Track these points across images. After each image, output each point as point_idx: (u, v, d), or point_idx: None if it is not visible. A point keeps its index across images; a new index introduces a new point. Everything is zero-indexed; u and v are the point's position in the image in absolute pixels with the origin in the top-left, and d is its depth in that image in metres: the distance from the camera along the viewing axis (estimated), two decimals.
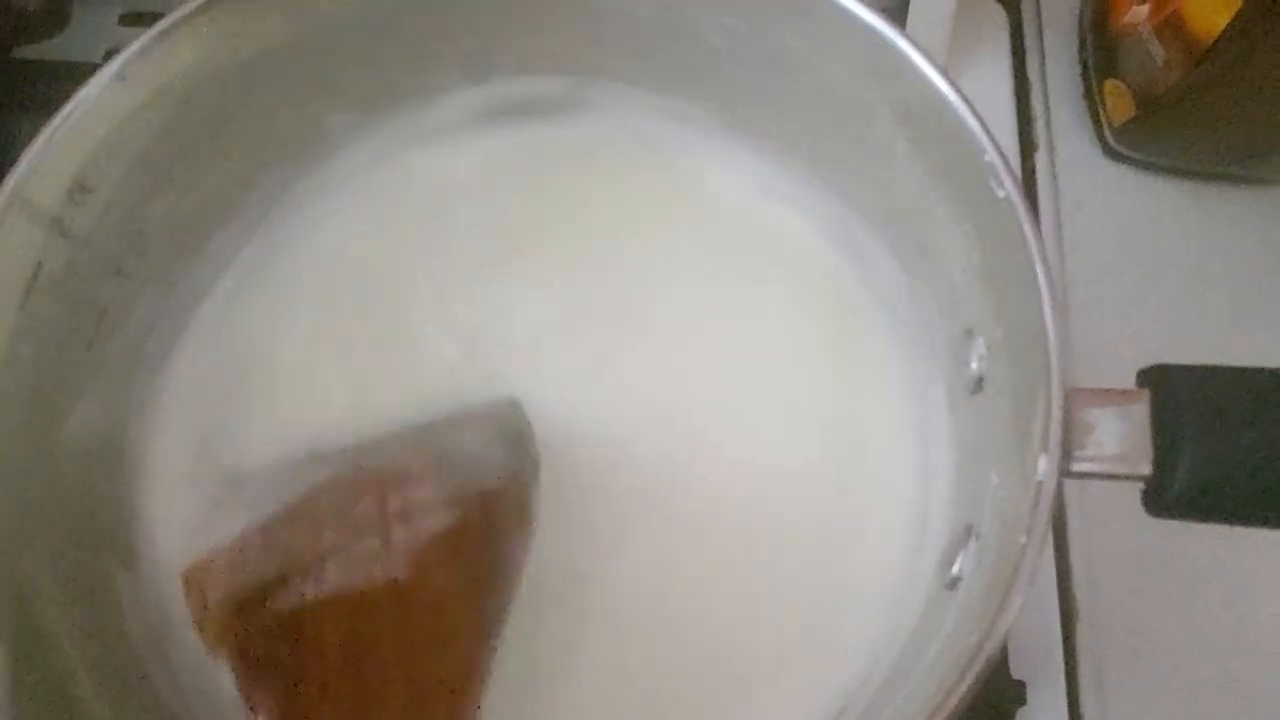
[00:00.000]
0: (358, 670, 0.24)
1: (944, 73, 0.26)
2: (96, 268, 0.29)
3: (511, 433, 0.31)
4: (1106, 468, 0.23)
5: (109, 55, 0.28)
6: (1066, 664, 0.36)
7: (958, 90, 0.25)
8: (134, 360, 0.32)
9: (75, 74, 0.28)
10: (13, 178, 0.26)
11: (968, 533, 0.27)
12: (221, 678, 0.29)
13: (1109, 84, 0.43)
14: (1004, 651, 0.34)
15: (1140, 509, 0.24)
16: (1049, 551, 0.37)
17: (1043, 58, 0.46)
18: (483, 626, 0.26)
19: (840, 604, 0.30)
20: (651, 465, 0.32)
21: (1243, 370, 0.23)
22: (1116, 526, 0.37)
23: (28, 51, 0.44)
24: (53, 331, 0.28)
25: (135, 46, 0.28)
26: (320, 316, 0.35)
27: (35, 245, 0.27)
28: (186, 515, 0.32)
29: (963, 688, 0.21)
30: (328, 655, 0.24)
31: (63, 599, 0.27)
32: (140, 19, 0.45)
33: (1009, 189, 0.24)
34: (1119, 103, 0.42)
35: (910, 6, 0.40)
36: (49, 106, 0.27)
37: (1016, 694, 0.35)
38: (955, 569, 0.27)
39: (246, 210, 0.34)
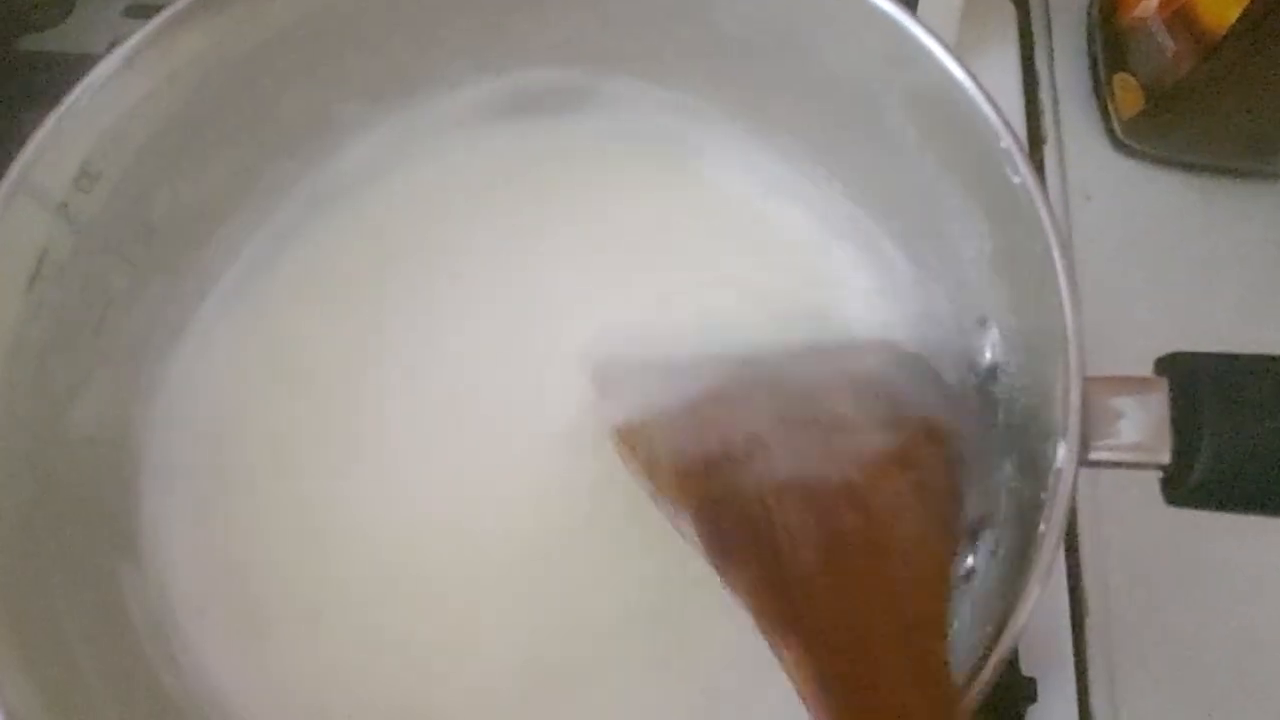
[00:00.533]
0: (831, 558, 0.23)
1: (958, 58, 0.25)
2: (103, 255, 0.29)
3: (928, 374, 0.30)
4: (1125, 456, 0.22)
5: (113, 48, 0.28)
6: (1077, 660, 0.35)
7: (972, 76, 0.25)
8: (140, 349, 0.32)
9: (79, 65, 0.27)
10: (19, 164, 0.26)
11: (982, 524, 0.27)
12: (229, 676, 0.29)
13: (1118, 77, 0.43)
14: (1015, 647, 0.34)
15: (1151, 502, 0.24)
16: (1060, 547, 0.36)
17: (1051, 51, 0.46)
18: (940, 547, 0.24)
19: None
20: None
21: (1261, 358, 0.23)
22: (1127, 521, 0.37)
23: (31, 42, 0.44)
24: (58, 319, 0.28)
25: (143, 33, 0.28)
26: (329, 307, 0.35)
27: (41, 231, 0.27)
28: (191, 507, 0.32)
29: (982, 680, 0.21)
30: (796, 535, 0.23)
31: (69, 593, 0.27)
32: (145, 11, 0.45)
33: (1024, 175, 0.24)
34: (1128, 96, 0.42)
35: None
36: (52, 98, 0.27)
37: (1027, 691, 0.34)
38: (969, 562, 0.27)
39: (255, 200, 0.34)
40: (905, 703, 0.21)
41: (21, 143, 0.26)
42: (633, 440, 0.28)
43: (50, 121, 0.26)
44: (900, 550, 0.24)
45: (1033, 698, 0.34)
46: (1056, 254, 0.23)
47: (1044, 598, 0.21)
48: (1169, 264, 0.42)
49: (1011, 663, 0.34)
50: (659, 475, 0.26)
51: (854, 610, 0.22)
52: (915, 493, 0.25)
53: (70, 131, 0.27)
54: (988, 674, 0.21)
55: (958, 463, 0.26)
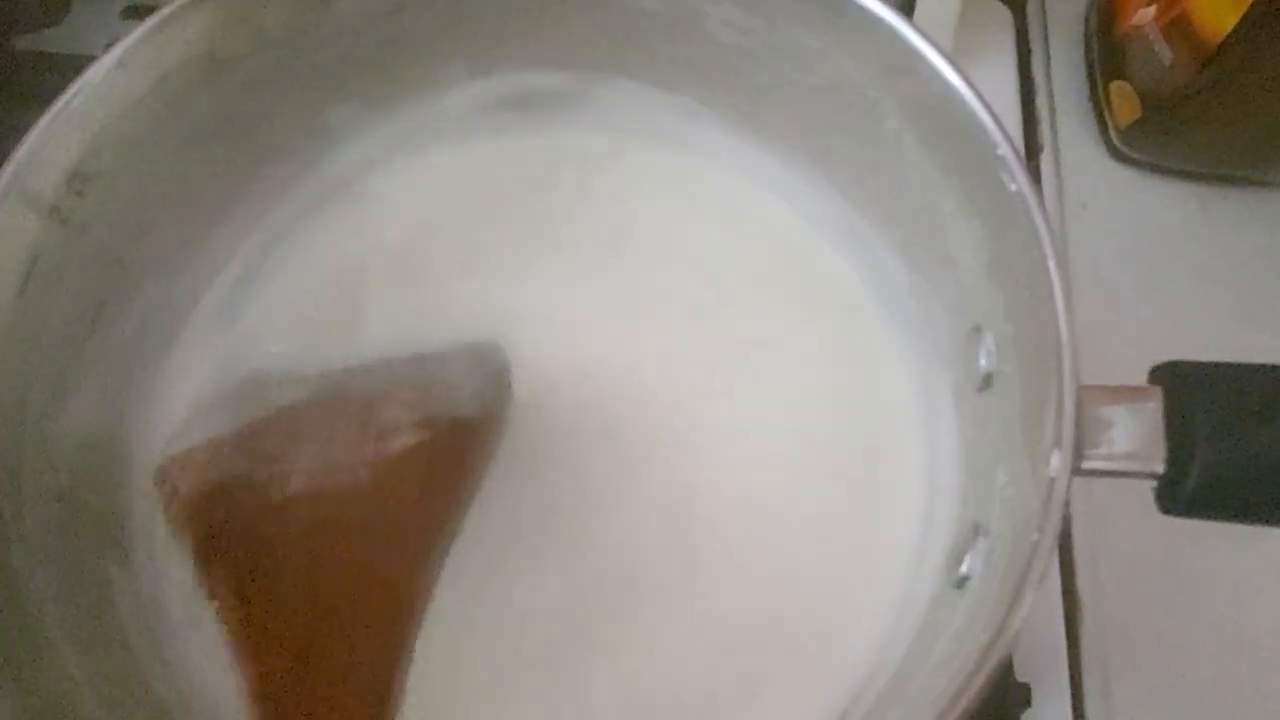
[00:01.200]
0: (312, 566, 0.24)
1: (955, 65, 0.25)
2: (95, 258, 0.29)
3: (491, 368, 0.31)
4: (1119, 465, 0.22)
5: (109, 49, 0.28)
6: (1071, 667, 0.35)
7: (969, 83, 0.25)
8: (132, 353, 0.31)
9: (75, 66, 0.27)
10: (11, 165, 0.26)
11: (975, 531, 0.27)
12: (222, 678, 0.29)
13: (1115, 85, 0.43)
14: (1008, 655, 0.34)
15: (1144, 509, 0.24)
16: (1053, 553, 0.36)
17: (1048, 59, 0.46)
18: (432, 537, 0.26)
19: (845, 602, 0.30)
20: (657, 462, 0.32)
21: (1256, 367, 0.23)
22: (1122, 527, 0.37)
23: (27, 43, 0.44)
24: (50, 322, 0.28)
25: (136, 35, 0.28)
26: (321, 313, 0.34)
27: (33, 234, 0.27)
28: None
29: (974, 688, 0.21)
30: (285, 551, 0.25)
31: (57, 597, 0.27)
32: (142, 12, 0.45)
33: (1021, 183, 0.24)
34: (1125, 104, 0.42)
35: (916, 6, 0.40)
36: (49, 99, 0.27)
37: (1021, 697, 0.34)
38: (963, 568, 0.27)
39: (248, 204, 0.34)
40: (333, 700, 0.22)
41: (19, 144, 0.26)
42: (162, 474, 0.27)
43: (42, 123, 0.26)
44: (379, 567, 0.25)
45: (1027, 703, 0.34)
46: (1051, 262, 0.23)
47: (1038, 604, 0.21)
48: (1165, 272, 0.42)
49: (1006, 669, 0.34)
50: (173, 506, 0.26)
51: (315, 635, 0.24)
52: (417, 499, 0.26)
53: (63, 134, 0.27)
54: (981, 680, 0.21)
55: (473, 455, 0.28)
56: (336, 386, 0.30)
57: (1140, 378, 0.24)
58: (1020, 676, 0.34)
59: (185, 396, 0.33)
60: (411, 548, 0.26)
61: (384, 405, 0.28)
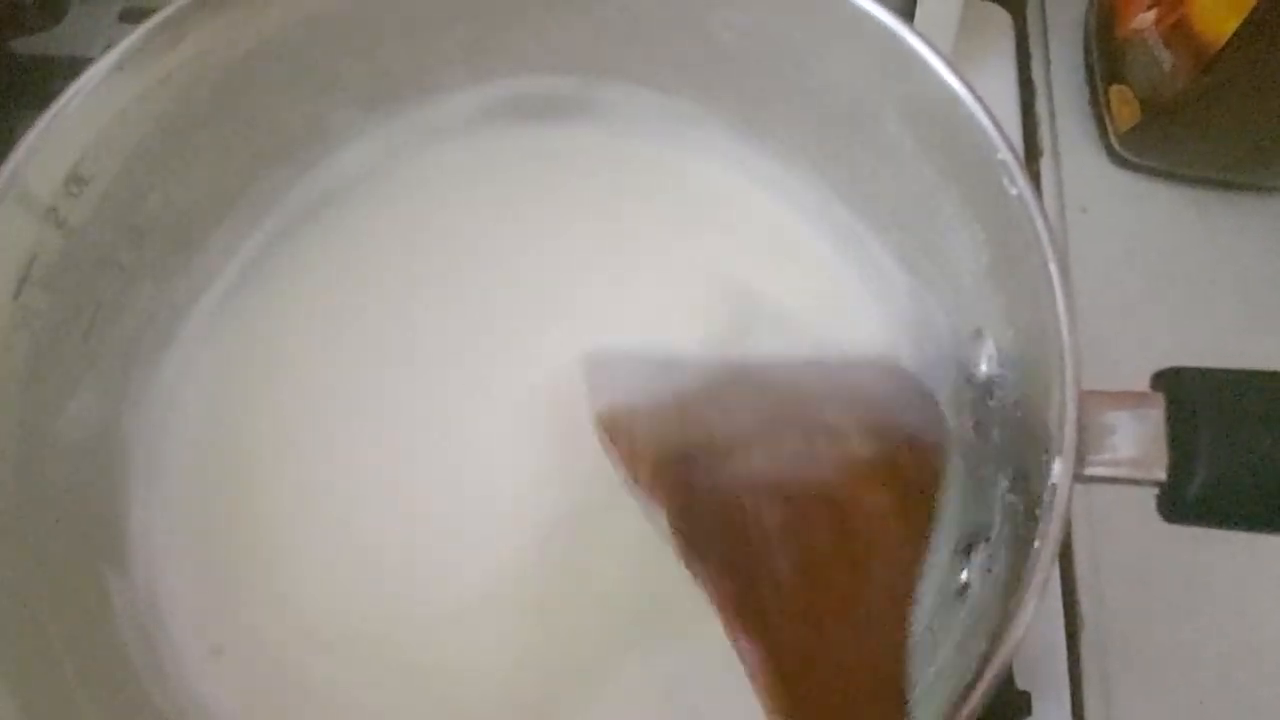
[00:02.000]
0: (803, 564, 0.23)
1: (955, 70, 0.25)
2: (92, 260, 0.29)
3: (919, 391, 0.30)
4: (1121, 472, 0.22)
5: (107, 51, 0.27)
6: (1071, 674, 0.35)
7: (969, 88, 0.25)
8: (130, 354, 0.31)
9: (73, 69, 0.27)
10: (8, 167, 0.26)
11: (977, 538, 0.27)
12: (221, 692, 0.29)
13: (1115, 89, 0.43)
14: (1009, 662, 0.33)
15: (1146, 516, 0.23)
16: (1055, 561, 0.36)
17: (1048, 63, 0.46)
18: (912, 553, 0.24)
19: None
20: None
21: (1258, 373, 0.23)
22: (1123, 535, 0.37)
23: (25, 45, 0.44)
24: (47, 324, 0.28)
25: (134, 37, 0.28)
26: (320, 314, 0.34)
27: (30, 236, 0.27)
28: (181, 515, 0.31)
29: (976, 697, 0.21)
30: (771, 538, 0.24)
31: (54, 603, 0.27)
32: (140, 14, 0.45)
33: (1022, 187, 0.24)
34: (1125, 108, 0.42)
35: (916, 10, 0.40)
36: (46, 101, 0.27)
37: (1021, 705, 0.34)
38: (964, 576, 0.26)
39: (246, 206, 0.34)
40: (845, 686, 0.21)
41: (16, 146, 0.26)
42: (614, 427, 0.28)
43: (40, 125, 0.26)
44: (872, 565, 0.24)
45: (1027, 711, 0.34)
46: (1053, 267, 0.23)
47: (1039, 611, 0.21)
48: (1165, 276, 0.42)
49: (1006, 676, 0.34)
50: (638, 464, 0.26)
51: (820, 621, 0.23)
52: (893, 508, 0.25)
53: (60, 135, 0.27)
54: (983, 688, 0.21)
55: (938, 480, 0.27)
56: (740, 375, 0.30)
57: (1140, 383, 0.24)
58: (1021, 684, 0.34)
59: (182, 396, 0.33)
60: (893, 571, 0.24)
61: (816, 402, 0.27)
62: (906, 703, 0.21)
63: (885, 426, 0.27)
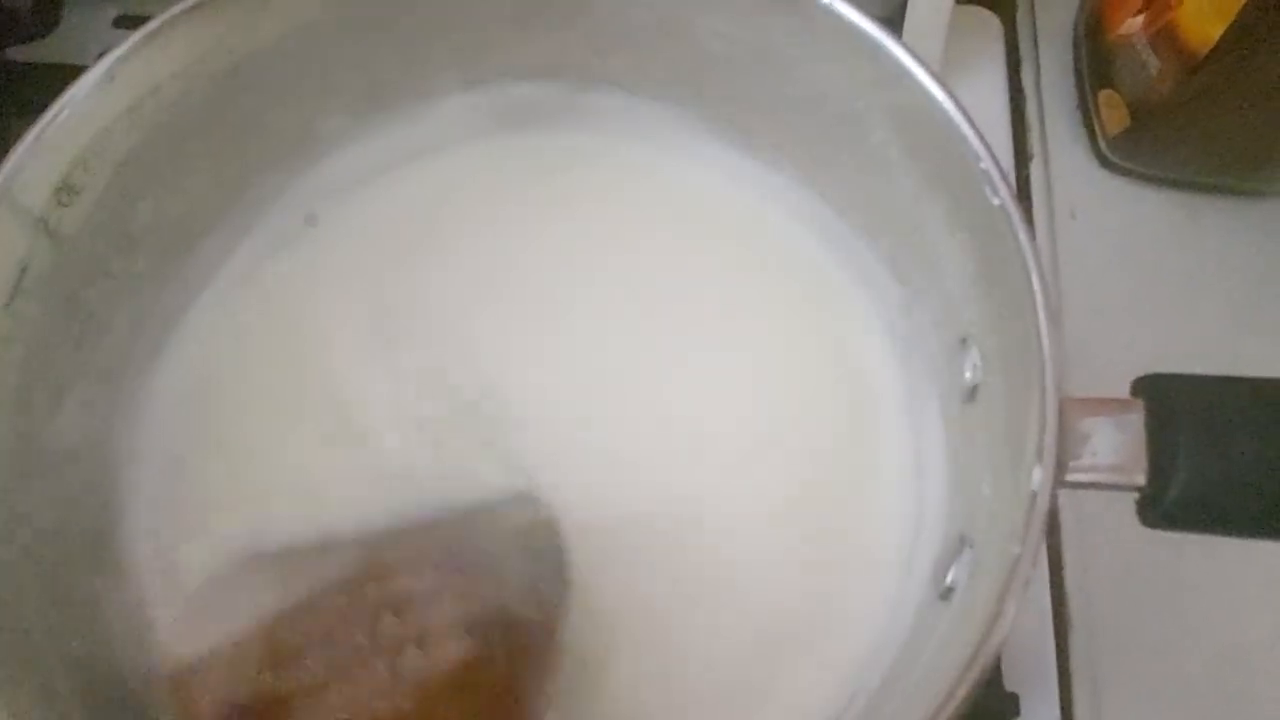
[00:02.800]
0: None
1: (940, 80, 0.26)
2: (83, 269, 0.29)
3: (542, 549, 0.29)
4: (1101, 478, 0.22)
5: (102, 58, 0.28)
6: (1060, 676, 0.35)
7: (953, 98, 0.25)
8: (121, 363, 0.31)
9: (66, 76, 0.27)
10: None
11: (961, 543, 0.27)
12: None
13: (1103, 94, 0.43)
14: (997, 664, 0.34)
15: (1133, 520, 0.24)
16: (1043, 562, 0.36)
17: (1037, 68, 0.46)
18: None
19: (831, 614, 0.30)
20: (650, 477, 0.32)
21: (1238, 380, 0.23)
22: (1111, 537, 0.37)
23: (19, 53, 0.44)
24: (38, 333, 0.28)
25: (124, 47, 0.28)
26: (313, 320, 0.34)
27: (21, 246, 0.27)
28: (174, 522, 0.32)
29: (956, 700, 0.21)
30: None
31: (45, 611, 0.27)
32: (134, 22, 0.45)
33: (1004, 197, 0.24)
34: (1113, 113, 0.42)
35: (906, 16, 0.40)
36: (39, 108, 0.27)
37: (1009, 707, 0.34)
38: (949, 579, 0.27)
39: (237, 214, 0.34)
40: None
41: (6, 156, 0.26)
42: (192, 685, 0.25)
43: (29, 136, 0.26)
44: None
45: (1015, 713, 0.34)
46: (1034, 276, 0.23)
47: (1027, 613, 0.21)
48: (1154, 280, 0.42)
49: (994, 679, 0.34)
50: None
51: None
52: (476, 711, 0.24)
53: (51, 145, 0.27)
54: (964, 693, 0.21)
55: (534, 663, 0.26)
56: (364, 564, 0.27)
57: (1127, 383, 0.24)
58: (1009, 686, 0.34)
59: (173, 406, 0.33)
60: None
61: (422, 600, 0.25)
62: None
63: (484, 613, 0.25)
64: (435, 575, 0.27)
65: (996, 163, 0.24)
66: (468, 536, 0.29)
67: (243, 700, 0.24)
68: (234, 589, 0.28)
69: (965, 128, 0.25)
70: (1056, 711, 0.35)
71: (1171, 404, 0.23)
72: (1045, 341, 0.23)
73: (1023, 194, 0.43)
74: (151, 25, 0.28)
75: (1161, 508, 0.22)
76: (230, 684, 0.24)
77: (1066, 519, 0.38)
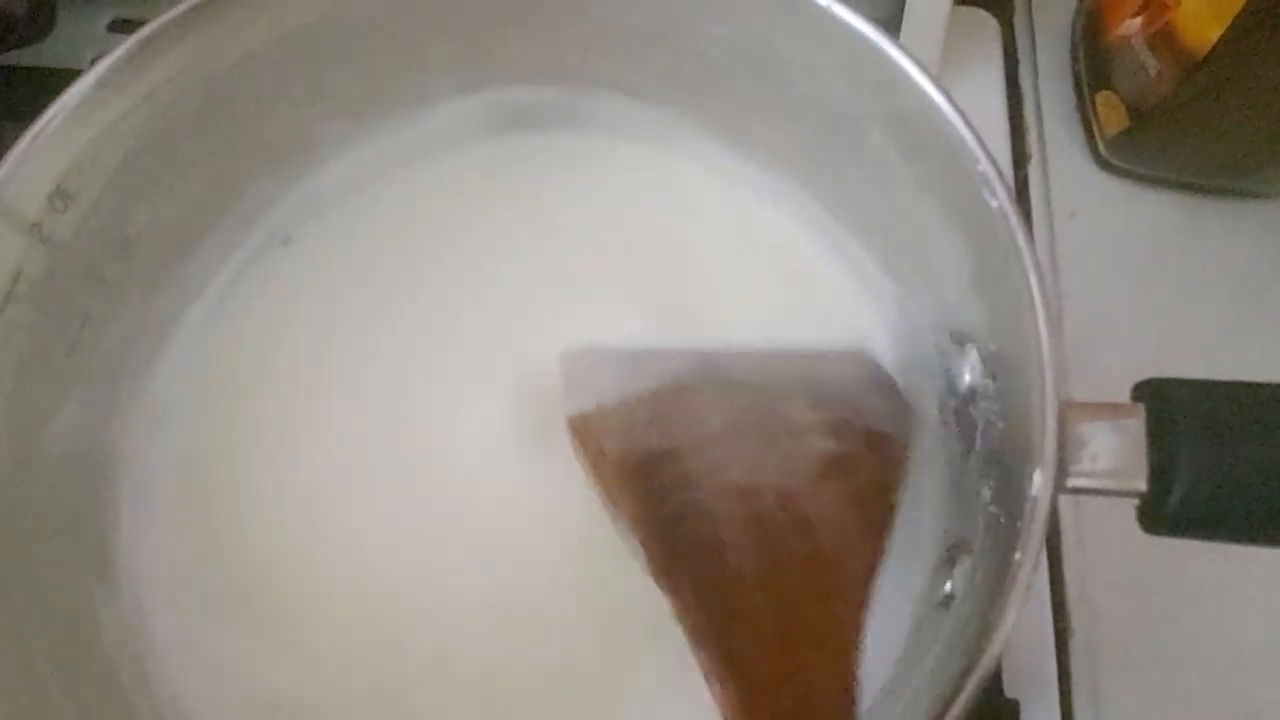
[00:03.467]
0: (772, 587, 0.24)
1: (937, 83, 0.25)
2: (78, 274, 0.29)
3: (884, 383, 0.30)
4: (1101, 483, 0.22)
5: (95, 62, 0.27)
6: (1060, 682, 0.35)
7: (951, 100, 0.25)
8: (117, 367, 0.31)
9: (61, 81, 0.27)
10: None
11: (960, 549, 0.27)
12: (204, 701, 0.29)
13: (1102, 95, 0.43)
14: (997, 670, 0.34)
15: (1134, 525, 0.23)
16: (1043, 569, 0.36)
17: (1035, 69, 0.46)
18: (868, 561, 0.25)
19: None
20: None
21: (1239, 385, 0.23)
22: (1111, 543, 0.37)
23: (12, 58, 0.44)
24: (33, 338, 0.28)
25: (118, 52, 0.27)
26: (309, 323, 0.34)
27: (14, 252, 0.27)
28: (171, 527, 0.31)
29: (957, 707, 0.21)
30: (742, 558, 0.24)
31: (40, 616, 0.27)
32: (128, 26, 0.45)
33: (1002, 200, 0.24)
34: (1112, 114, 0.42)
35: (904, 17, 0.40)
36: (33, 113, 0.27)
37: (1010, 713, 0.34)
38: (948, 587, 0.27)
39: (233, 219, 0.34)
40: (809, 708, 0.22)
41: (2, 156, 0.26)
42: (583, 430, 0.28)
43: (23, 141, 0.26)
44: (833, 571, 0.24)
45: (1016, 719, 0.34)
46: (1033, 279, 0.23)
47: (1027, 619, 0.21)
48: (1153, 282, 0.42)
49: (994, 686, 0.34)
50: (603, 468, 0.27)
51: (792, 647, 0.23)
52: (849, 501, 0.25)
53: (44, 151, 0.27)
54: (963, 702, 0.21)
55: (898, 472, 0.27)
56: (717, 367, 0.30)
57: (1126, 387, 0.24)
58: (1009, 692, 0.34)
59: (170, 409, 0.33)
60: (853, 571, 0.24)
61: (783, 398, 0.28)
62: (856, 705, 0.22)
63: (846, 421, 0.27)
64: (785, 385, 0.29)
65: (994, 164, 0.24)
66: (807, 364, 0.31)
67: (642, 446, 0.26)
68: (591, 370, 0.31)
69: (963, 129, 0.25)
70: (1057, 718, 0.35)
71: (1172, 408, 0.22)
72: (1044, 345, 0.22)
73: (1021, 196, 0.43)
74: (146, 30, 0.28)
75: (1162, 513, 0.22)
76: (624, 429, 0.27)
77: (1066, 525, 0.37)
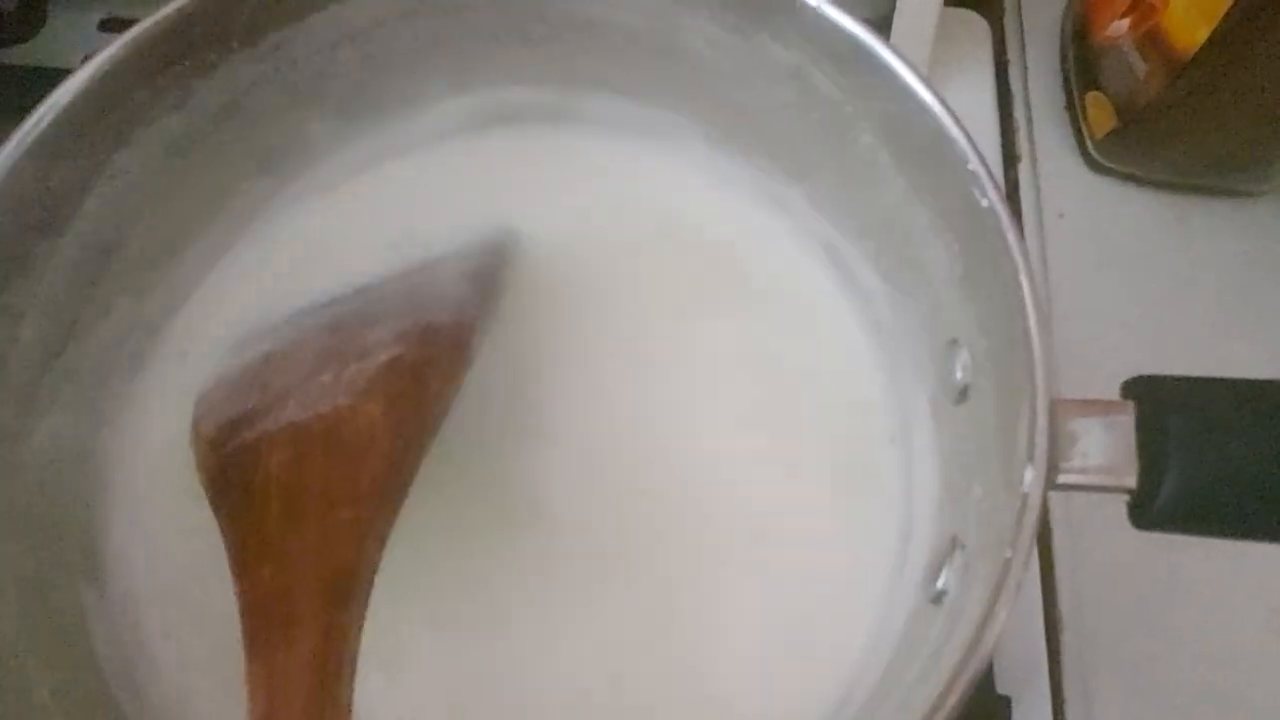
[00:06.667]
0: (293, 495, 0.25)
1: (927, 83, 0.26)
2: (67, 276, 0.29)
3: (480, 268, 0.31)
4: (1092, 480, 0.22)
5: (86, 61, 0.27)
6: (1052, 679, 0.35)
7: (941, 100, 0.25)
8: (106, 370, 0.31)
9: (51, 79, 0.27)
10: None
11: (952, 546, 0.27)
12: (195, 706, 0.29)
13: (1091, 96, 0.43)
14: (989, 667, 0.34)
15: (1125, 522, 0.24)
16: (1034, 565, 0.36)
17: (1025, 70, 0.46)
18: (397, 453, 0.25)
19: (823, 618, 0.30)
20: (626, 471, 0.32)
21: (1227, 381, 0.23)
22: (1102, 539, 0.37)
23: (3, 56, 0.43)
24: (20, 342, 0.28)
25: (110, 51, 0.27)
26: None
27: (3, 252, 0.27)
28: (162, 531, 0.31)
29: (949, 704, 0.21)
30: (270, 481, 0.25)
31: (29, 622, 0.26)
32: (119, 25, 0.45)
33: (992, 199, 0.24)
34: (1100, 114, 0.42)
35: (894, 18, 0.40)
36: (24, 112, 0.27)
37: (1002, 710, 0.34)
38: (940, 583, 0.27)
39: (225, 220, 0.34)
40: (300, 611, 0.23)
41: None
42: (196, 420, 0.28)
43: (13, 140, 0.26)
44: (348, 465, 0.25)
45: (1007, 716, 0.34)
46: (1023, 278, 0.23)
47: (1019, 616, 0.21)
48: (1142, 281, 0.42)
49: (986, 682, 0.34)
50: (200, 444, 0.27)
51: (294, 533, 0.24)
52: (383, 402, 0.26)
53: (32, 153, 0.26)
54: (955, 698, 0.21)
55: (446, 358, 0.28)
56: (337, 314, 0.31)
57: (1116, 385, 0.24)
58: (1001, 689, 0.34)
59: (159, 412, 0.32)
60: (375, 465, 0.25)
61: (372, 324, 0.28)
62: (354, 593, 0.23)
63: (413, 325, 0.28)
64: (389, 305, 0.30)
65: (985, 164, 0.24)
66: (424, 272, 0.32)
67: (225, 419, 0.27)
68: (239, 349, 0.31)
69: (953, 130, 0.25)
70: (1049, 714, 0.35)
71: (1162, 405, 0.23)
72: (1035, 343, 0.23)
73: (1010, 196, 0.44)
74: (138, 29, 0.28)
75: (1152, 509, 0.22)
76: (219, 408, 0.28)
77: (1057, 522, 0.38)
